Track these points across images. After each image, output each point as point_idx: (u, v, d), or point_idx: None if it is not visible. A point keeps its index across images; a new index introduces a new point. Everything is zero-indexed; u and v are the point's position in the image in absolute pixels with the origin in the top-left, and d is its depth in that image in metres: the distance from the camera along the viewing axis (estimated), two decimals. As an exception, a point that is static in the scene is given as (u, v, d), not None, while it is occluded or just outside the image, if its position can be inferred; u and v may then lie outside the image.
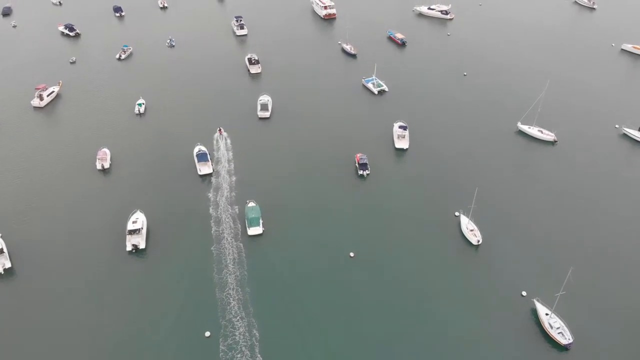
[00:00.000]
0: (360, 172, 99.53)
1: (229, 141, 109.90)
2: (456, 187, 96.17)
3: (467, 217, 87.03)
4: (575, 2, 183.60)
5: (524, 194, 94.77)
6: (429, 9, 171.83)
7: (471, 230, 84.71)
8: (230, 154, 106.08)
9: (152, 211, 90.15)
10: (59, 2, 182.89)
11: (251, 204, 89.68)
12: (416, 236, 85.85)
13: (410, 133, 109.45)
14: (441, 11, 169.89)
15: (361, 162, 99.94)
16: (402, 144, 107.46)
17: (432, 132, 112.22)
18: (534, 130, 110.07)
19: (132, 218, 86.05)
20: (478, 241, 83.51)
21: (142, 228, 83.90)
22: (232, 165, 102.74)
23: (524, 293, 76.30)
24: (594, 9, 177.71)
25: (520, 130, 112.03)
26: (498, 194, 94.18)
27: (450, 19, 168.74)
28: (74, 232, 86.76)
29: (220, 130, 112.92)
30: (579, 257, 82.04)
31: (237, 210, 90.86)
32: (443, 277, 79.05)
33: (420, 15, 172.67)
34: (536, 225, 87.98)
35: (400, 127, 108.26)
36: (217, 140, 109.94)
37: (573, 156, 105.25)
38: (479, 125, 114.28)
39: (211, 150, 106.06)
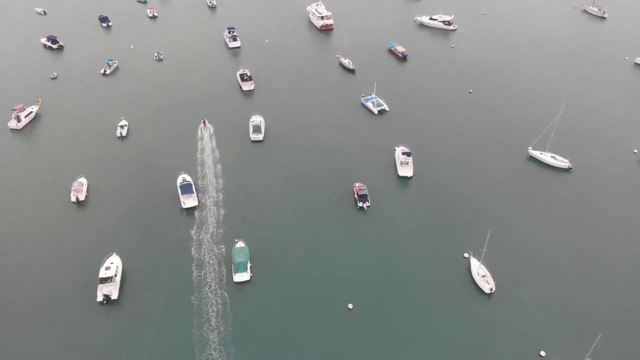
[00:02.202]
0: (360, 204, 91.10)
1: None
2: (465, 222, 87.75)
3: (478, 260, 78.44)
4: (585, 10, 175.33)
5: (539, 231, 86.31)
6: (431, 19, 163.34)
7: (483, 277, 76.21)
8: (221, 181, 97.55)
9: (129, 252, 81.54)
10: (44, 12, 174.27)
11: (239, 244, 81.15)
12: (422, 282, 77.37)
13: (413, 158, 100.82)
14: (444, 22, 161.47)
15: (361, 193, 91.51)
16: (406, 171, 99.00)
17: (436, 157, 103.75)
18: (546, 157, 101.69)
19: (106, 262, 77.48)
20: (491, 289, 75.06)
21: (115, 275, 75.34)
22: (221, 196, 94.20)
23: (542, 353, 67.87)
24: (604, 18, 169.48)
25: (531, 156, 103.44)
26: (511, 233, 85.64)
27: (453, 30, 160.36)
28: (38, 278, 78.18)
29: (204, 122, 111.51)
30: (608, 313, 73.25)
31: (223, 250, 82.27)
32: (452, 332, 70.55)
33: (422, 25, 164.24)
34: (555, 270, 79.46)
35: (404, 153, 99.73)
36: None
37: (590, 185, 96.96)
38: (487, 150, 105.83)
39: (196, 178, 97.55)
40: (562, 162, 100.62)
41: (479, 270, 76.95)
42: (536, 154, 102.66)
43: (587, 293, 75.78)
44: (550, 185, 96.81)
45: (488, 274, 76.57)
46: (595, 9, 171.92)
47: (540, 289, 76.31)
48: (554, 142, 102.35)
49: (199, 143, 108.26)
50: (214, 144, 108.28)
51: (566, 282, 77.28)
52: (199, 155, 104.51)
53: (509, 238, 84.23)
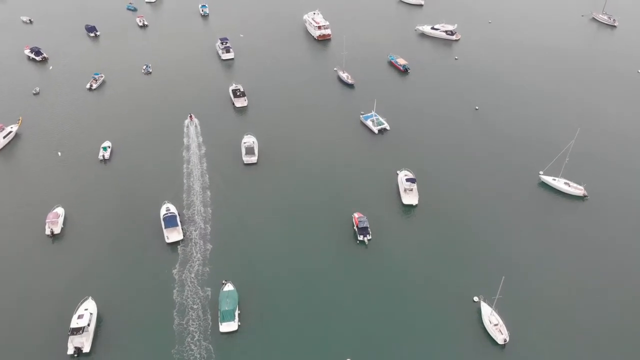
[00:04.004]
0: (360, 237, 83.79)
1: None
2: (474, 260, 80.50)
3: (490, 306, 71.13)
4: (594, 18, 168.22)
5: (555, 270, 79.05)
6: (433, 28, 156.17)
7: (495, 325, 68.92)
8: (209, 210, 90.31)
9: (106, 296, 74.28)
10: (29, 20, 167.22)
11: (227, 287, 73.89)
12: (429, 330, 70.04)
13: (418, 184, 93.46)
14: (446, 31, 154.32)
15: (361, 225, 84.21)
16: (410, 199, 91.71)
17: (442, 183, 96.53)
18: (559, 183, 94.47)
19: (80, 309, 70.19)
20: (505, 340, 67.78)
21: (88, 324, 68.07)
22: (209, 228, 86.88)
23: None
24: (614, 26, 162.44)
25: (543, 181, 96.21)
26: (524, 273, 78.12)
27: (457, 40, 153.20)
28: (2, 326, 70.66)
29: (191, 116, 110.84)
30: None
31: (209, 293, 74.91)
32: (462, 391, 63.30)
33: (423, 35, 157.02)
34: (575, 316, 72.11)
35: (408, 179, 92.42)
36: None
37: (606, 214, 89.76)
38: (496, 174, 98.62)
39: (181, 207, 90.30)
40: (576, 189, 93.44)
41: (490, 317, 69.66)
42: (548, 179, 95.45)
43: (611, 345, 68.44)
44: (564, 215, 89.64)
45: (501, 322, 69.30)
46: (605, 17, 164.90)
47: (559, 338, 68.96)
48: (567, 167, 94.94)
49: (185, 166, 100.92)
50: (204, 167, 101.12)
51: (588, 332, 69.95)
52: (185, 181, 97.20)
53: (523, 280, 76.85)
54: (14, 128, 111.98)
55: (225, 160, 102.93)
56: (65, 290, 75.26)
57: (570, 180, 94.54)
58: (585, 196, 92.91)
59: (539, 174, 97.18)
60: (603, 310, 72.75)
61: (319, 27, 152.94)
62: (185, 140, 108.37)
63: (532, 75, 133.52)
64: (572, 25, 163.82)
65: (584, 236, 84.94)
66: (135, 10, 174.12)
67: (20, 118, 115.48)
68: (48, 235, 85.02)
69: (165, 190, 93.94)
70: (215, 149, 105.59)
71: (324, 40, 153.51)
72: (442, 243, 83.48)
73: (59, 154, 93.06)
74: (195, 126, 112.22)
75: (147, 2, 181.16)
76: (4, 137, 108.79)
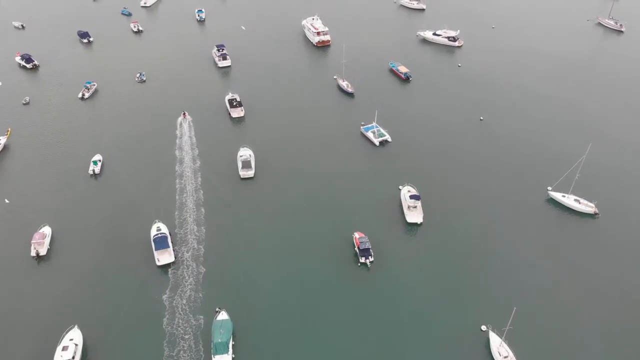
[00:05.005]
0: (362, 259, 79.73)
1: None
2: (481, 283, 76.50)
3: (499, 337, 67.07)
4: (600, 23, 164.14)
5: (566, 293, 75.16)
6: (435, 34, 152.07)
7: (505, 358, 64.85)
8: (203, 229, 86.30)
9: (92, 323, 70.24)
10: (22, 26, 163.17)
11: (221, 316, 69.84)
12: (432, 361, 66.03)
13: (422, 201, 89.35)
14: (448, 37, 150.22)
15: (362, 246, 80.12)
16: (415, 217, 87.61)
17: (446, 199, 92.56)
18: (569, 200, 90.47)
19: (64, 340, 66.20)
20: (515, 374, 63.83)
21: (73, 358, 63.94)
22: (202, 249, 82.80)
23: None
24: (621, 32, 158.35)
25: (551, 198, 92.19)
26: (536, 300, 74.07)
27: (459, 47, 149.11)
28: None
29: (184, 114, 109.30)
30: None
31: (201, 322, 70.82)
32: None
33: (425, 41, 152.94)
34: (589, 345, 68.02)
35: (412, 197, 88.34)
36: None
37: (618, 232, 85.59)
38: (502, 190, 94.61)
39: (173, 226, 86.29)
40: (587, 206, 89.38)
41: (499, 349, 65.62)
42: (557, 196, 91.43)
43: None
44: (574, 234, 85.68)
45: (511, 354, 65.25)
46: (612, 22, 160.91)
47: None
48: (577, 183, 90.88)
49: (178, 181, 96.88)
50: (199, 182, 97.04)
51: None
52: (178, 197, 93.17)
53: (534, 307, 72.66)
54: (2, 140, 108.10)
55: (220, 174, 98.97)
56: (49, 318, 71.32)
57: (581, 197, 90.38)
58: (596, 214, 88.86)
59: (548, 190, 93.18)
60: (622, 343, 68.57)
61: (318, 33, 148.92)
62: (177, 153, 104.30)
63: (538, 83, 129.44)
64: (577, 30, 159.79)
65: (596, 258, 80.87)
66: (130, 15, 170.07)
67: (9, 129, 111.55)
68: (33, 256, 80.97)
69: (157, 208, 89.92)
70: (211, 162, 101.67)
71: (323, 46, 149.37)
72: (448, 265, 79.47)
73: (7, 201, 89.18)
74: (190, 137, 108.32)
75: (142, 7, 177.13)
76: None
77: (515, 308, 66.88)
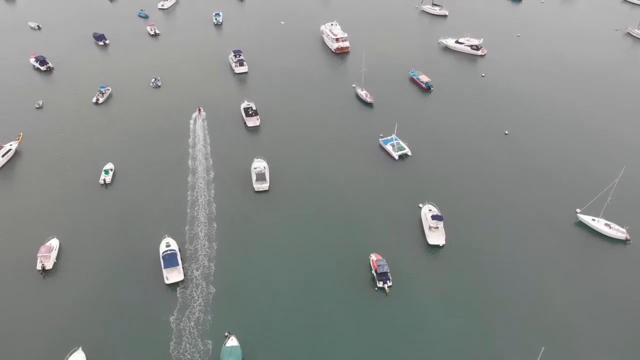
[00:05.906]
0: (380, 284, 75.83)
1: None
2: (507, 314, 72.11)
3: (526, 376, 62.90)
4: (629, 33, 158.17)
5: (600, 328, 70.43)
6: (457, 42, 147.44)
7: (531, 400, 60.62)
8: (215, 246, 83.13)
9: (97, 346, 67.30)
10: (38, 26, 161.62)
11: (230, 342, 66.49)
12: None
13: (444, 221, 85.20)
14: (471, 46, 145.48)
15: (380, 270, 76.21)
16: (437, 239, 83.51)
17: (469, 219, 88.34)
18: (599, 224, 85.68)
19: (67, 364, 63.38)
20: (542, 418, 59.46)
21: (75, 386, 61.08)
22: (213, 268, 79.55)
23: None
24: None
25: (580, 221, 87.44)
26: (563, 333, 69.69)
27: (482, 55, 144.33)
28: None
29: (199, 109, 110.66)
30: None
31: (209, 347, 67.55)
32: None
33: (447, 49, 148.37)
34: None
35: (434, 217, 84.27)
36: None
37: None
38: (529, 210, 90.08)
39: (183, 241, 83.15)
40: (618, 231, 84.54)
41: (526, 389, 61.37)
42: (587, 219, 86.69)
43: None
44: (604, 261, 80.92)
45: (539, 396, 61.01)
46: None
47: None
48: (609, 207, 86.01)
49: (190, 193, 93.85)
50: (212, 195, 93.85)
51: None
52: (189, 210, 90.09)
53: (563, 347, 68.25)
54: (14, 145, 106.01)
55: (234, 186, 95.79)
56: (52, 338, 68.55)
57: (612, 222, 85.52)
58: (627, 240, 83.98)
59: (577, 212, 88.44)
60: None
61: (337, 40, 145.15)
62: (190, 163, 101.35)
63: (567, 96, 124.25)
64: (605, 40, 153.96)
65: (627, 287, 76.05)
66: (146, 17, 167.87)
67: (21, 134, 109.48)
68: (39, 270, 78.34)
69: (168, 221, 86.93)
70: (224, 173, 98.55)
71: (341, 53, 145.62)
72: (471, 292, 75.32)
73: None
74: (203, 146, 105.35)
75: (159, 9, 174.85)
76: (3, 156, 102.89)
77: (543, 348, 62.47)
